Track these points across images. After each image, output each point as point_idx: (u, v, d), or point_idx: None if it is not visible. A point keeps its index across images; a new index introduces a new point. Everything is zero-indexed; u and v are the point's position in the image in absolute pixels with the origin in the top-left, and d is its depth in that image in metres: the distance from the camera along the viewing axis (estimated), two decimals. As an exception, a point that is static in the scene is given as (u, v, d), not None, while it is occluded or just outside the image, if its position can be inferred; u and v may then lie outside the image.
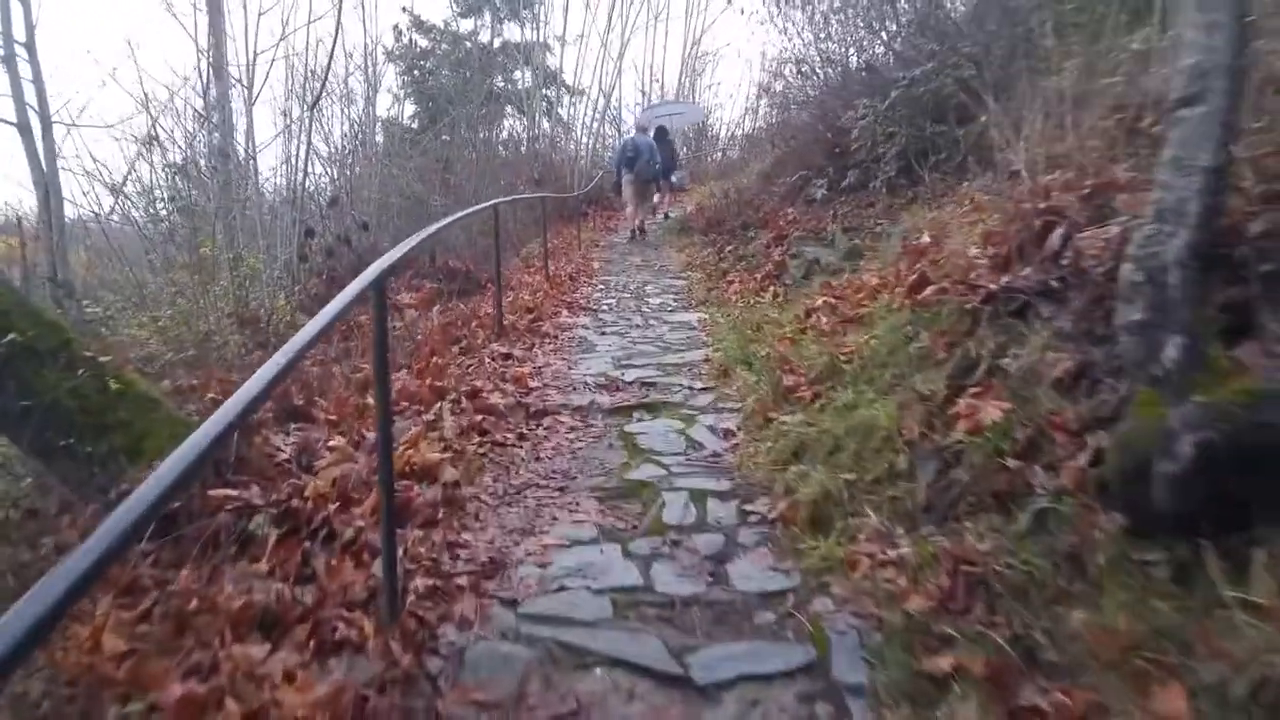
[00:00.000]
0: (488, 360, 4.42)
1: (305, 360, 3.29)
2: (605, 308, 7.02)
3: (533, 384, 4.10)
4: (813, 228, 7.94)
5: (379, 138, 16.96)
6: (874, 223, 7.02)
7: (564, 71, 22.15)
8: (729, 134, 23.55)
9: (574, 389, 4.11)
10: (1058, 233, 2.82)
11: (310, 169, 11.61)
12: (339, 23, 8.04)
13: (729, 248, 9.67)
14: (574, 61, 36.28)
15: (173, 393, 3.74)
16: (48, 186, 8.44)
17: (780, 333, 4.36)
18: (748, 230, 9.86)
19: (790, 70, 11.34)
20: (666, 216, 13.70)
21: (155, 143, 8.96)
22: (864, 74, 8.43)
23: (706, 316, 6.26)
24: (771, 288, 7.21)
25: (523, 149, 19.09)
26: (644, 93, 24.32)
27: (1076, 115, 3.95)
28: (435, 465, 2.91)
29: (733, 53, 51.97)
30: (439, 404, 3.60)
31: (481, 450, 3.20)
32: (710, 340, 5.17)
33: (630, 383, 4.19)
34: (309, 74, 9.13)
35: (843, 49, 10.46)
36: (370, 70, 15.28)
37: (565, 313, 6.57)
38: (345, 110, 14.12)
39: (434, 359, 4.54)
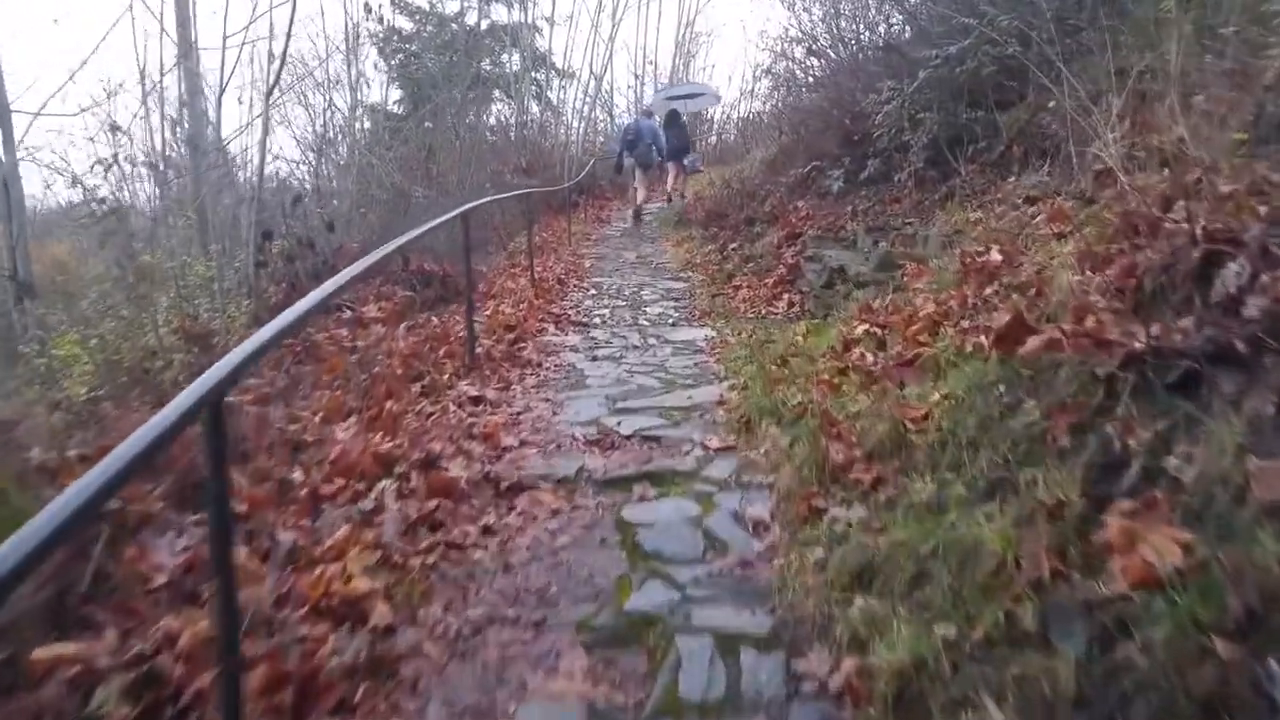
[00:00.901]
0: (453, 407, 3.59)
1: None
2: (598, 320, 6.19)
3: (506, 441, 3.29)
4: (829, 225, 7.11)
5: (365, 123, 16.04)
6: (902, 222, 6.19)
7: (553, 54, 21.18)
8: (724, 116, 22.64)
9: (558, 447, 3.30)
10: (1231, 269, 2.01)
11: (276, 163, 10.75)
12: (294, 4, 7.11)
13: (733, 245, 8.83)
14: (564, 43, 35.25)
15: (43, 471, 2.92)
16: (6, 178, 7.59)
17: (813, 370, 3.54)
18: (753, 225, 9.02)
19: (798, 49, 10.47)
20: (683, 197, 13.13)
21: (118, 131, 8.10)
22: (883, 53, 7.57)
23: (714, 334, 5.43)
24: (785, 295, 6.40)
25: (511, 134, 18.18)
26: (637, 76, 23.43)
27: (1185, 98, 3.15)
28: (363, 598, 2.10)
29: (728, 32, 50.82)
30: (382, 483, 2.78)
31: (431, 561, 2.39)
32: (723, 369, 4.35)
33: (629, 436, 3.37)
34: (272, 59, 8.22)
35: (855, 25, 9.59)
36: (351, 54, 14.33)
37: (552, 328, 5.74)
38: (327, 98, 13.18)
39: (389, 403, 3.72)
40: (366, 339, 5.60)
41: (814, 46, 8.71)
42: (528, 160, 16.59)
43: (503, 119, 19.65)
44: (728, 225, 9.84)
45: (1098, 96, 4.44)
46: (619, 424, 3.51)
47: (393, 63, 20.19)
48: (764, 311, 6.20)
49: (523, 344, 5.11)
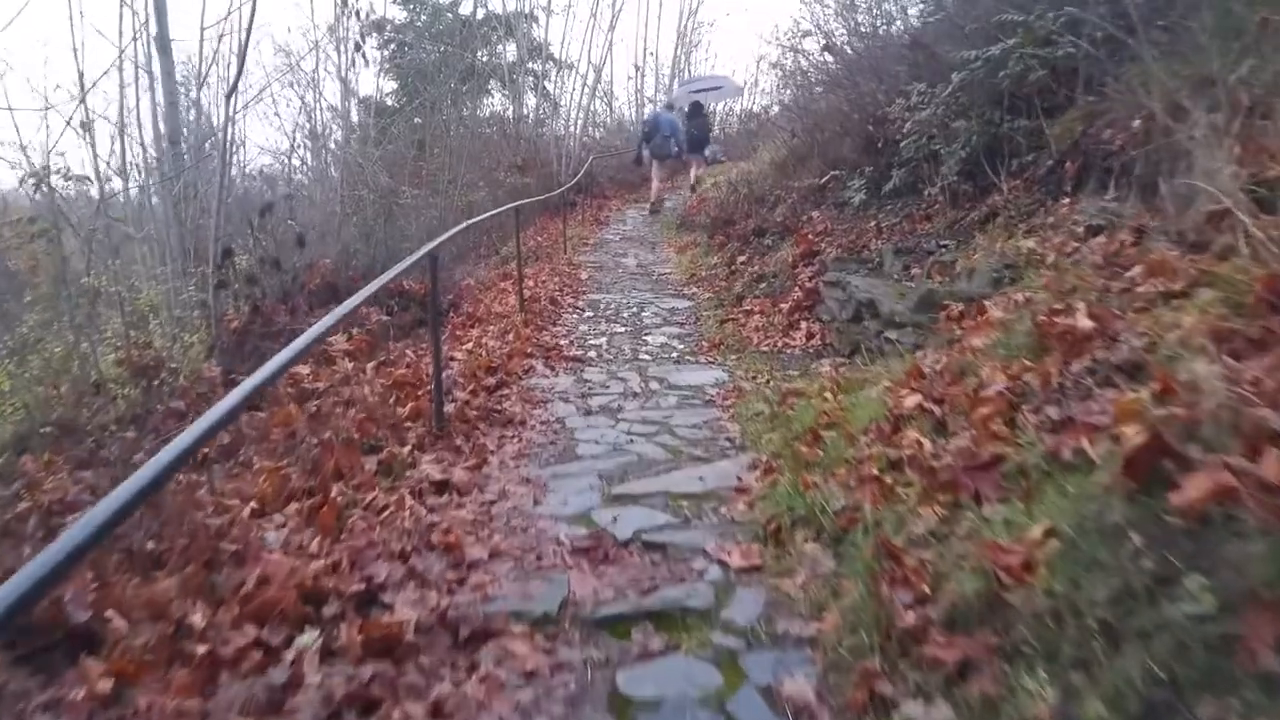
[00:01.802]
0: (409, 500, 2.91)
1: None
2: (593, 354, 5.52)
3: (473, 553, 2.62)
4: (851, 243, 6.43)
5: (355, 116, 15.29)
6: (936, 244, 5.51)
7: (551, 44, 20.44)
8: (725, 109, 21.86)
9: (538, 559, 2.63)
10: None
11: (260, 158, 10.04)
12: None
13: (741, 258, 8.16)
14: (561, 34, 34.40)
15: None
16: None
17: (853, 454, 2.88)
18: (763, 236, 8.34)
19: (812, 43, 9.75)
20: (700, 183, 13.20)
21: (87, 129, 7.41)
22: (909, 50, 6.87)
23: (725, 375, 4.77)
24: (803, 324, 5.74)
25: (507, 128, 17.45)
26: (637, 67, 22.73)
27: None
28: None
29: (732, 22, 49.85)
30: (304, 637, 2.12)
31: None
32: (739, 433, 3.68)
33: (627, 543, 2.70)
34: (235, 53, 7.51)
35: (872, 18, 8.88)
36: (342, 46, 13.55)
37: (540, 366, 5.08)
38: (317, 91, 12.43)
39: (336, 487, 3.06)
40: (330, 378, 4.96)
41: (830, 42, 8.00)
42: (523, 157, 15.88)
43: (497, 111, 18.96)
44: (735, 234, 9.15)
45: (1176, 108, 3.78)
46: (615, 520, 2.85)
47: (384, 53, 19.48)
48: (780, 344, 5.54)
49: (505, 391, 4.45)
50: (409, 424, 3.65)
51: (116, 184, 6.61)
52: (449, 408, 3.84)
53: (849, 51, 7.70)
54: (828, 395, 3.72)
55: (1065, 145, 5.06)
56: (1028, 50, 5.17)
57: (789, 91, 11.61)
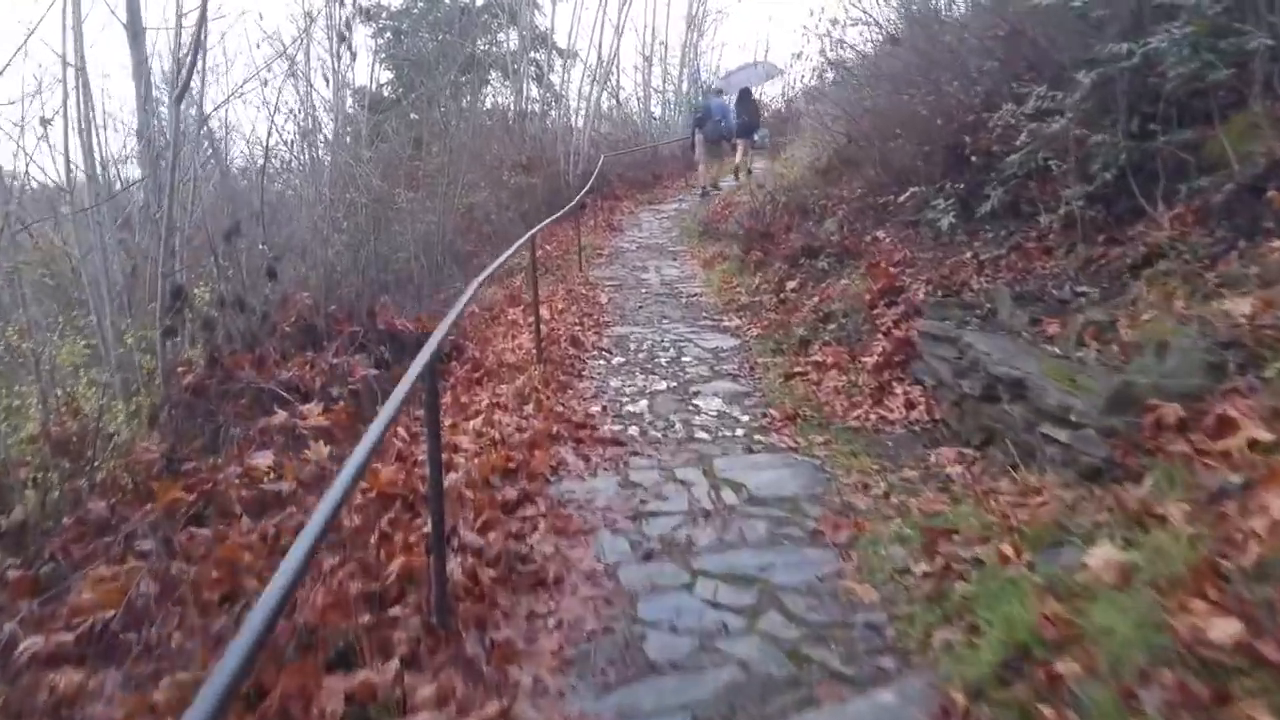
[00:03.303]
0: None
1: None
2: (634, 430, 4.34)
3: None
4: (943, 279, 5.22)
5: (349, 108, 13.96)
6: (1070, 290, 4.31)
7: (555, 32, 19.15)
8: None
9: None
10: None
11: (220, 171, 8.81)
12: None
13: (791, 284, 6.95)
14: (568, 21, 32.97)
15: None
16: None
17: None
18: (815, 258, 7.12)
19: (856, 34, 8.52)
20: (750, 173, 12.88)
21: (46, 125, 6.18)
22: (1003, 42, 5.65)
23: (824, 480, 3.58)
24: (899, 389, 4.55)
25: (511, 123, 16.17)
26: (645, 57, 21.43)
27: None
28: None
29: (743, 10, 48.15)
30: None
31: None
32: (891, 625, 2.48)
33: None
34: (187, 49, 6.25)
35: (939, 5, 7.65)
36: (333, 34, 12.19)
37: (570, 458, 3.88)
38: (307, 86, 11.08)
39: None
40: (299, 473, 3.80)
41: (894, 33, 6.73)
42: (528, 155, 14.62)
43: (500, 105, 17.67)
44: (777, 251, 7.94)
45: None
46: None
47: (378, 41, 18.19)
48: (872, 417, 4.36)
49: (529, 510, 3.26)
50: (396, 603, 2.45)
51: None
52: (453, 563, 2.65)
53: (921, 44, 6.44)
54: (1008, 550, 2.54)
55: (1260, 164, 3.88)
56: (1204, 40, 3.97)
57: (826, 82, 10.34)
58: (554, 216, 8.80)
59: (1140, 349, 3.40)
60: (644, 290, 8.66)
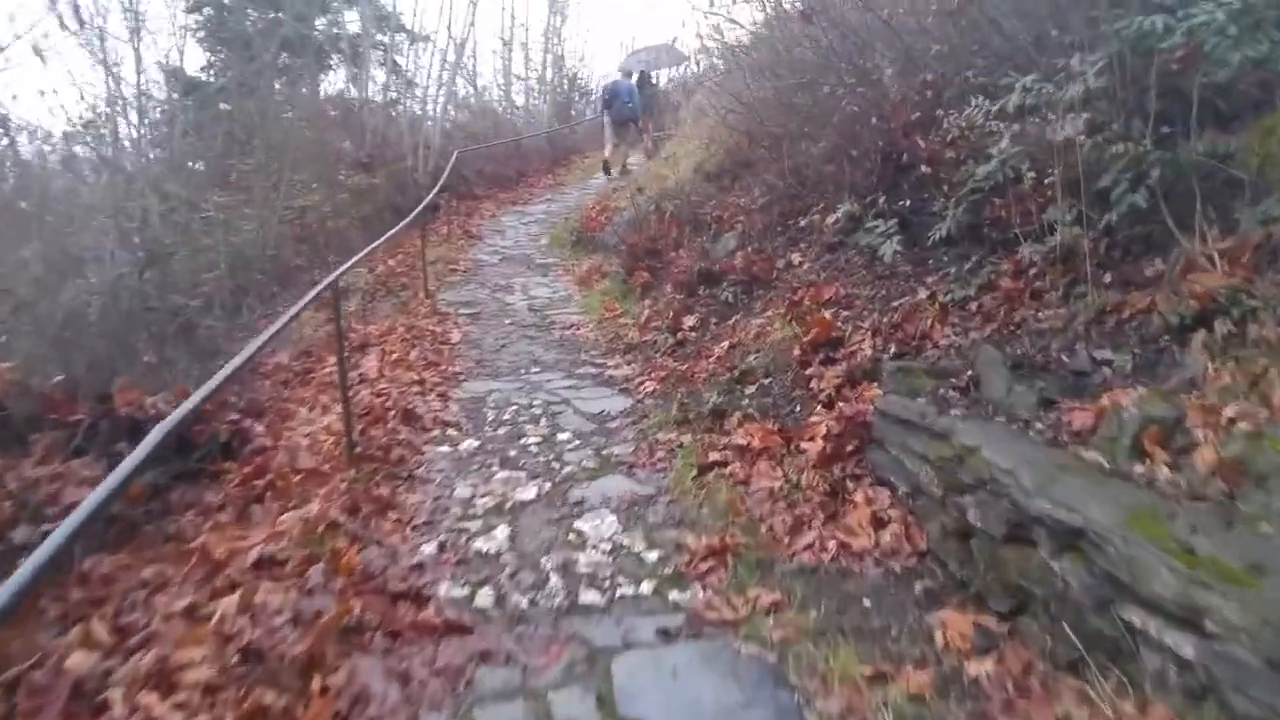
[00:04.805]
0: None
1: None
2: (485, 599, 2.80)
3: None
4: (894, 327, 3.98)
5: (156, 94, 11.37)
6: (1088, 355, 3.14)
7: (402, 14, 17.02)
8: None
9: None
10: None
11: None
12: None
13: (689, 321, 5.58)
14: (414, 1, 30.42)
15: None
16: None
17: None
18: (716, 285, 5.79)
19: (746, 14, 7.27)
20: (627, 171, 13.22)
21: None
22: (950, 21, 4.47)
23: (800, 712, 2.20)
24: (859, 495, 3.26)
25: (351, 114, 14.02)
26: (505, 41, 19.64)
27: None
28: None
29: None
30: None
31: None
32: None
33: None
34: None
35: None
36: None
37: (374, 687, 2.31)
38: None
39: None
40: None
41: (808, 7, 5.44)
42: (369, 152, 12.55)
43: (341, 92, 15.41)
44: (668, 274, 6.57)
45: None
46: None
47: (197, 17, 15.44)
48: (831, 548, 3.02)
49: None
50: None
51: None
52: None
53: (850, 17, 5.19)
54: None
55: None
56: (1271, 15, 2.87)
57: (720, 70, 9.05)
58: (391, 232, 6.97)
59: (1242, 472, 2.22)
60: (508, 320, 7.07)
